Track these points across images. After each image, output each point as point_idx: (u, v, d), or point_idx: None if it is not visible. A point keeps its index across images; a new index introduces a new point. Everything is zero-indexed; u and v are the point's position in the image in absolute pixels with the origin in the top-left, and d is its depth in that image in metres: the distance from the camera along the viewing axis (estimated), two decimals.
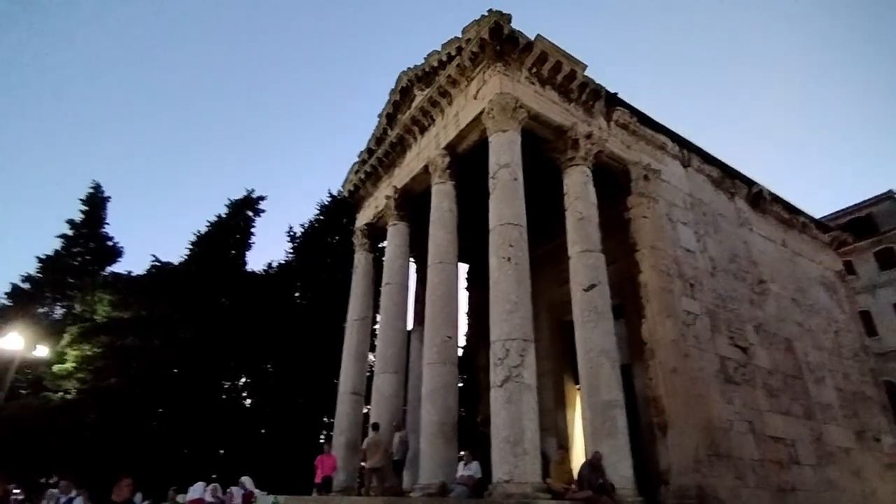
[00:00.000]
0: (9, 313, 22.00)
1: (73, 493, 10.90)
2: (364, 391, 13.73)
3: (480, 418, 13.87)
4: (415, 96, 13.62)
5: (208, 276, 23.13)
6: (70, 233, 26.04)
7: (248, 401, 24.29)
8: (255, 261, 76.94)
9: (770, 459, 10.91)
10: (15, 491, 16.10)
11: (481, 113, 10.36)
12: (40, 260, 25.12)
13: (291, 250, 26.45)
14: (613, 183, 11.87)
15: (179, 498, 13.03)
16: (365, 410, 14.25)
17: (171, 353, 20.89)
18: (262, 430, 22.16)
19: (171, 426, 19.89)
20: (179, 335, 21.17)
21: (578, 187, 10.50)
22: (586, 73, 11.35)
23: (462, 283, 15.92)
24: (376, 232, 15.25)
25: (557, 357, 13.49)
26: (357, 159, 15.89)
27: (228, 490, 12.86)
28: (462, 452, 9.46)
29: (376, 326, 17.57)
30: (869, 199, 28.36)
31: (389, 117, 14.66)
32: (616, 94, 12.03)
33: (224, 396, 23.07)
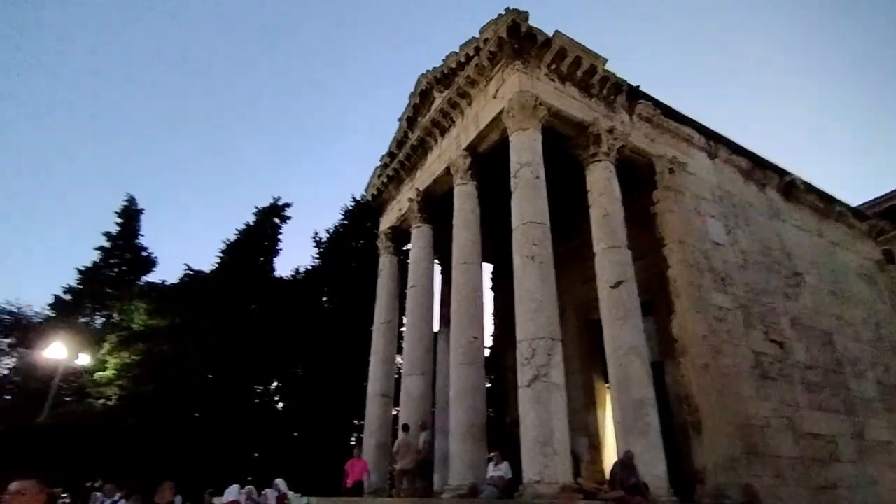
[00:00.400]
0: (53, 324, 22.88)
1: (117, 497, 11.25)
2: (393, 393, 13.84)
3: (509, 419, 13.81)
4: (434, 98, 13.67)
5: (238, 283, 23.68)
6: (107, 245, 26.96)
7: (280, 404, 24.74)
8: (283, 267, 78.24)
9: (809, 457, 10.55)
10: (63, 495, 16.73)
11: (501, 112, 10.34)
12: (80, 272, 26.08)
13: (317, 255, 26.86)
14: (638, 177, 11.68)
15: (215, 500, 13.34)
16: (394, 412, 14.35)
17: (205, 359, 21.46)
18: (295, 434, 22.53)
19: (206, 430, 20.40)
20: (212, 341, 21.72)
21: (602, 183, 10.38)
22: (607, 66, 11.20)
23: (487, 283, 15.91)
24: (400, 235, 15.35)
25: (586, 356, 13.33)
26: (379, 163, 16.04)
27: (263, 492, 13.09)
28: (492, 453, 9.45)
29: (403, 329, 17.71)
30: None
31: (410, 120, 14.75)
32: (638, 86, 11.84)
33: (257, 400, 23.56)
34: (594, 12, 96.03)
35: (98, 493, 12.66)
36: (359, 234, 26.51)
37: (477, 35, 11.42)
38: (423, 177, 13.68)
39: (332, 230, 27.33)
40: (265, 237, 26.36)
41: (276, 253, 26.70)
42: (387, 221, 15.84)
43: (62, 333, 18.60)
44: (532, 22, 10.36)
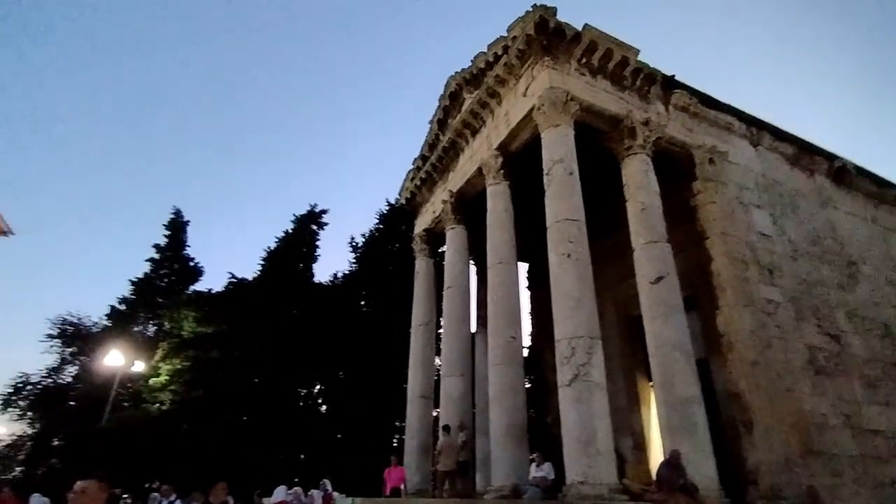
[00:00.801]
0: (110, 333, 24.13)
1: (173, 497, 11.75)
2: (432, 395, 13.91)
3: (550, 419, 13.67)
4: (464, 100, 13.69)
5: (279, 290, 24.32)
6: (156, 256, 28.27)
7: (323, 407, 25.25)
8: (322, 272, 79.84)
9: (870, 454, 10.00)
10: (124, 496, 17.58)
11: (532, 110, 10.25)
12: (133, 283, 27.43)
13: (354, 260, 27.28)
14: (676, 169, 11.36)
15: (264, 501, 13.73)
16: (435, 413, 14.43)
17: (251, 363, 22.15)
18: (338, 436, 22.94)
19: (253, 433, 21.04)
20: (257, 347, 22.40)
21: (638, 177, 10.14)
22: (639, 57, 10.96)
23: (523, 282, 15.78)
24: (435, 237, 15.43)
25: (628, 354, 13.05)
26: (412, 167, 16.17)
27: (309, 493, 13.41)
28: (533, 454, 9.37)
29: (440, 331, 17.79)
30: None
31: (440, 123, 14.83)
32: (673, 76, 11.52)
33: (301, 404, 24.13)
34: (624, 3, 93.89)
35: (156, 494, 13.25)
36: (394, 237, 26.78)
37: (505, 34, 11.38)
38: (456, 178, 13.71)
39: (367, 235, 27.72)
40: (304, 244, 26.98)
41: (314, 259, 27.30)
42: (421, 224, 15.95)
43: (119, 342, 19.62)
44: (560, 17, 10.24)
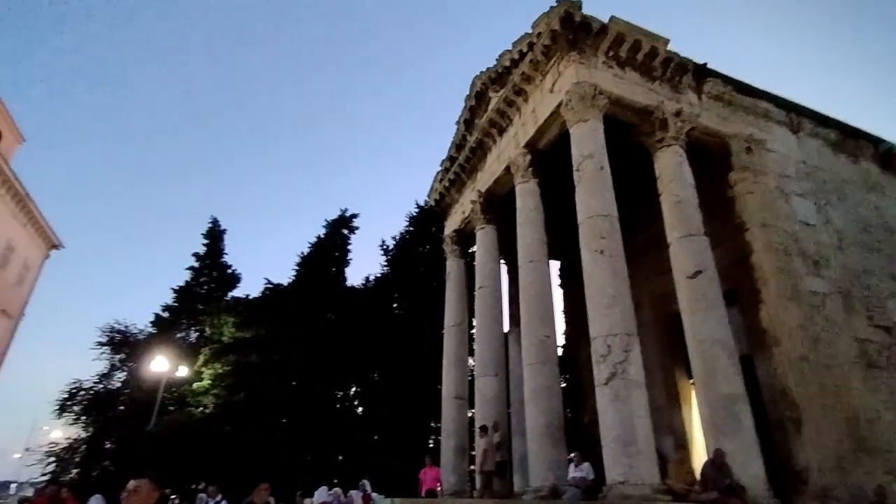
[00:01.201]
0: (155, 340, 25.05)
1: (219, 498, 12.12)
2: (467, 395, 13.90)
3: (587, 418, 13.47)
4: (490, 99, 13.64)
5: (314, 294, 24.77)
6: (196, 265, 29.20)
7: (359, 409, 25.55)
8: (354, 275, 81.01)
9: None
10: (171, 497, 18.23)
11: (559, 106, 10.13)
12: (175, 291, 28.42)
13: (385, 263, 27.53)
14: (711, 160, 11.04)
15: (306, 501, 14.00)
16: (470, 414, 14.42)
17: (288, 367, 22.62)
18: (375, 437, 23.17)
19: (293, 435, 21.47)
20: (294, 350, 22.86)
21: (672, 169, 9.89)
22: (669, 47, 10.70)
23: (555, 280, 15.60)
24: (465, 237, 15.43)
25: (666, 351, 12.74)
26: (440, 168, 16.22)
27: (349, 493, 13.59)
28: (572, 454, 9.25)
29: (473, 331, 17.76)
30: None
31: (467, 123, 14.81)
32: (705, 64, 11.19)
33: (337, 406, 24.48)
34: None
35: (202, 495, 13.68)
36: (424, 239, 26.91)
37: (529, 30, 11.28)
38: (484, 178, 13.68)
39: (398, 237, 27.94)
40: (335, 248, 27.40)
41: (346, 263, 27.69)
42: (451, 225, 15.97)
43: (163, 348, 20.34)
44: (585, 10, 10.10)
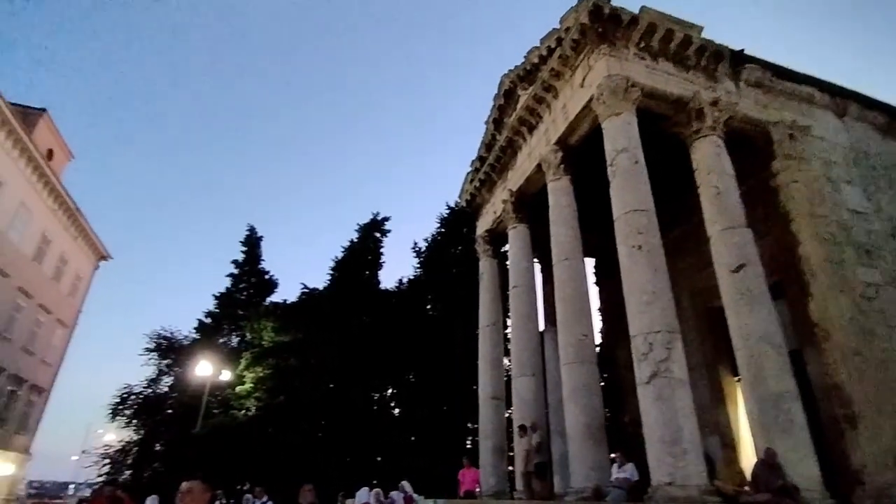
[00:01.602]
0: (198, 345, 25.89)
1: (265, 499, 12.41)
2: (504, 395, 13.84)
3: (627, 418, 13.20)
4: (519, 97, 13.56)
5: (348, 298, 25.11)
6: (235, 271, 30.05)
7: (396, 411, 25.75)
8: (387, 278, 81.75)
9: None
10: (219, 499, 18.79)
11: (590, 100, 9.97)
12: (216, 297, 29.31)
13: (418, 265, 27.66)
14: (752, 149, 10.67)
15: (348, 502, 14.18)
16: (507, 414, 14.34)
17: (326, 370, 23.00)
18: (412, 438, 23.31)
19: (332, 437, 21.82)
20: (330, 353, 23.23)
21: (710, 160, 9.60)
22: (702, 34, 10.39)
23: (590, 278, 15.36)
24: (497, 237, 15.37)
25: (708, 348, 12.38)
26: (470, 168, 16.21)
27: (389, 495, 13.69)
28: (614, 454, 9.08)
29: (508, 331, 17.66)
30: None
31: (496, 122, 14.76)
32: (742, 50, 10.83)
33: (374, 407, 24.74)
34: None
35: (249, 496, 14.05)
36: (456, 240, 26.93)
37: (557, 26, 11.16)
38: (515, 177, 13.60)
39: (429, 239, 28.04)
40: (368, 252, 27.69)
41: (379, 266, 27.93)
42: (483, 225, 15.94)
43: (207, 353, 21.00)
44: (614, 2, 9.92)
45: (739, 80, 10.82)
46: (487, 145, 15.15)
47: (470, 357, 17.33)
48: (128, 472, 24.15)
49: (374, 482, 18.17)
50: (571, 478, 9.22)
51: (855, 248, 9.87)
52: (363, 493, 12.60)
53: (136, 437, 25.11)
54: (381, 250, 28.13)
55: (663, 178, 9.97)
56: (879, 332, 9.13)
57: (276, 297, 28.85)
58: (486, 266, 15.33)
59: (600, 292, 17.13)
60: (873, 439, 8.14)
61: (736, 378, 11.69)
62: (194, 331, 28.08)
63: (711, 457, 9.00)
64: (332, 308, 24.67)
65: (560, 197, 11.17)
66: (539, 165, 11.95)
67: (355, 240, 27.65)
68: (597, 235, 12.86)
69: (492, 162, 14.66)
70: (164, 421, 24.66)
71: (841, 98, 11.86)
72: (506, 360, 16.17)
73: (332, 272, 26.93)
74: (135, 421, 25.29)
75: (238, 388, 23.48)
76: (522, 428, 11.01)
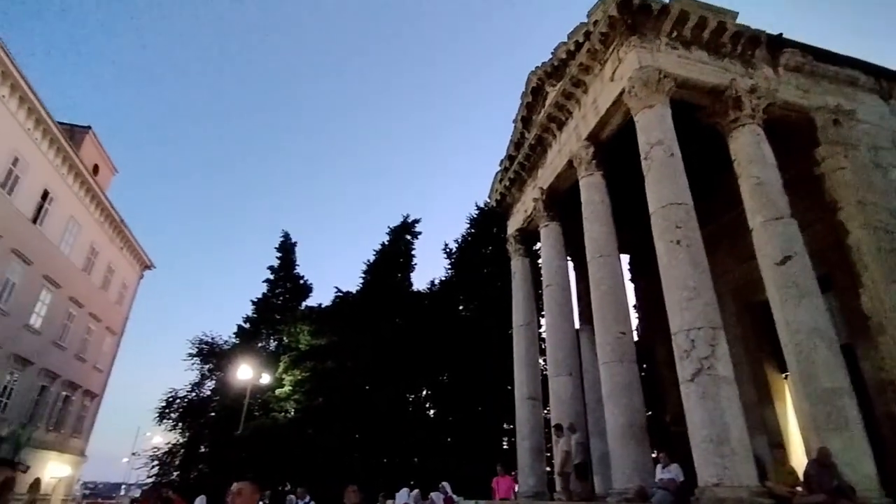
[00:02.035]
0: (238, 350, 26.60)
1: (308, 499, 12.64)
2: (540, 395, 13.71)
3: (668, 417, 12.89)
4: (547, 94, 13.42)
5: (381, 300, 25.35)
6: (271, 277, 30.74)
7: (431, 412, 25.83)
8: (419, 280, 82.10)
9: None
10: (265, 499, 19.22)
11: (621, 93, 9.79)
12: (254, 303, 30.06)
13: (449, 266, 27.70)
14: (792, 136, 10.27)
15: (388, 503, 14.32)
16: (544, 413, 14.21)
17: (361, 372, 23.28)
18: (448, 439, 23.33)
19: (369, 438, 22.06)
20: (365, 355, 23.49)
21: (750, 149, 9.29)
22: (738, 20, 10.07)
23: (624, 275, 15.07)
24: (529, 236, 15.26)
25: (752, 344, 11.98)
26: (499, 168, 16.14)
27: (429, 496, 13.76)
28: (657, 454, 8.88)
29: (542, 330, 17.49)
30: None
31: (525, 120, 14.65)
32: (780, 34, 10.44)
33: (410, 409, 24.88)
34: None
35: (292, 497, 14.33)
36: (487, 240, 26.85)
37: (585, 20, 11.01)
38: (545, 175, 13.47)
39: (460, 240, 28.04)
40: (400, 254, 27.89)
41: (411, 268, 28.10)
42: (514, 224, 15.85)
43: (246, 357, 21.56)
44: None
45: (778, 66, 10.44)
46: (516, 144, 15.05)
47: (504, 357, 17.21)
48: (175, 473, 24.99)
49: (412, 483, 18.30)
50: (613, 478, 9.06)
51: None
52: (403, 494, 12.71)
53: (181, 440, 25.96)
54: (413, 252, 28.32)
55: (696, 170, 9.70)
56: None
57: (311, 302, 29.41)
58: (518, 265, 15.23)
59: (635, 289, 16.79)
60: None
61: (783, 375, 11.28)
62: (234, 336, 28.87)
63: (759, 457, 8.67)
64: (366, 311, 24.95)
65: (593, 193, 11.00)
66: (570, 162, 11.80)
67: (386, 243, 27.92)
68: (629, 231, 12.62)
69: (521, 160, 14.56)
70: (207, 423, 25.42)
71: (886, 80, 11.31)
72: (541, 361, 16.02)
73: (364, 275, 27.26)
74: (180, 424, 26.16)
75: (277, 391, 24.02)
76: (558, 427, 10.89)
